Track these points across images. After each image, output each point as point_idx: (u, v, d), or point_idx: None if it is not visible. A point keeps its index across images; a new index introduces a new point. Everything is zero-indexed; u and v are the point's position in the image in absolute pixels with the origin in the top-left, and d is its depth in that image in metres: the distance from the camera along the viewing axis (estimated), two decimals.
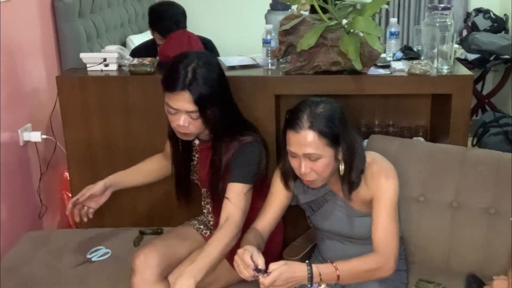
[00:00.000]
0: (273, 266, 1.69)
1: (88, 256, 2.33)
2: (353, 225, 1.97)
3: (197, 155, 2.20)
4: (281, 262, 1.71)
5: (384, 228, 1.86)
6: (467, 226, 2.13)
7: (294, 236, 2.32)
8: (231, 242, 1.93)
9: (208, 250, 1.89)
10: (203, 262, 1.85)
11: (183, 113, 1.95)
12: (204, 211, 2.32)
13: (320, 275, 1.74)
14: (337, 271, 1.76)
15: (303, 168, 1.82)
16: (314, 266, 1.74)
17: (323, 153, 1.81)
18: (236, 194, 1.99)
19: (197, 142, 2.18)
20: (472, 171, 2.16)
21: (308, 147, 1.79)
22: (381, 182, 1.89)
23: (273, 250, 2.20)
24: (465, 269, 2.11)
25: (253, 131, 2.11)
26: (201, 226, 2.26)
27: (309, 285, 1.77)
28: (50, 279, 2.21)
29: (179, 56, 2.00)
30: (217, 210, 2.18)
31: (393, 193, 1.89)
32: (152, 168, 2.35)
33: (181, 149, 2.20)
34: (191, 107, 1.92)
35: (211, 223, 2.29)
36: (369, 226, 1.91)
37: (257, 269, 1.69)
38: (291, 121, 1.83)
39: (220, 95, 2.00)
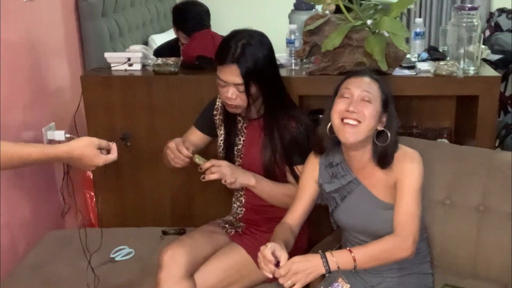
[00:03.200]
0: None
1: (112, 256, 2.33)
2: (376, 218, 1.95)
3: (242, 138, 2.23)
4: (294, 257, 1.76)
5: (405, 210, 1.86)
6: (494, 230, 2.09)
7: (319, 238, 2.31)
8: (287, 200, 2.12)
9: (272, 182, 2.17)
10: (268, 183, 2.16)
11: (231, 85, 2.06)
12: (234, 205, 2.33)
13: (335, 260, 1.76)
14: (352, 254, 1.78)
15: (353, 107, 1.88)
16: (327, 253, 1.78)
17: (376, 100, 1.90)
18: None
19: (244, 124, 2.22)
20: (499, 174, 2.13)
21: (367, 88, 1.91)
22: (406, 165, 1.91)
23: (298, 248, 2.20)
24: (491, 274, 2.08)
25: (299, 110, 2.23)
26: (226, 225, 2.25)
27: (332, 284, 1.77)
28: (73, 278, 2.22)
29: (232, 32, 2.13)
30: (250, 202, 2.21)
31: (417, 176, 1.90)
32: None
33: (226, 132, 2.26)
34: (238, 80, 2.04)
35: (240, 216, 2.30)
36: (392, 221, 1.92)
37: (277, 265, 1.71)
38: (355, 72, 2.01)
39: (267, 73, 2.10)
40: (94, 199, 2.98)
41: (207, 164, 2.07)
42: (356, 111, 1.87)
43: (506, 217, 2.08)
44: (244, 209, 2.29)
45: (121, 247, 2.39)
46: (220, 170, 2.06)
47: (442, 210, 2.16)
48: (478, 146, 2.38)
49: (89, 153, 1.75)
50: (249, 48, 2.04)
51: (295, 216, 2.03)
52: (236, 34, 2.09)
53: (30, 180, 2.62)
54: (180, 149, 2.09)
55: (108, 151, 1.84)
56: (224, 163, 2.10)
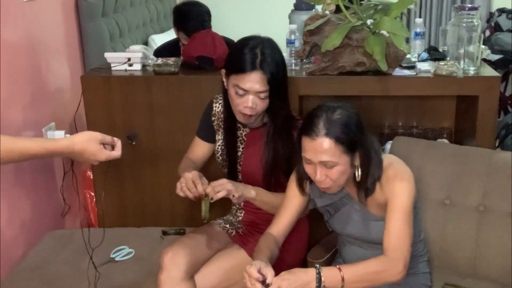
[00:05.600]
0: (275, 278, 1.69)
1: (112, 256, 2.34)
2: (370, 229, 1.94)
3: (242, 146, 2.22)
4: (283, 272, 1.70)
5: (395, 232, 1.81)
6: (494, 230, 2.09)
7: (318, 237, 2.31)
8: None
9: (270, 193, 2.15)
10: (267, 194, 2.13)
11: (252, 94, 2.00)
12: (234, 207, 2.32)
13: (323, 278, 1.70)
14: (341, 273, 1.72)
15: (318, 176, 1.80)
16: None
17: (339, 160, 1.78)
18: None
19: (244, 132, 2.20)
20: (499, 174, 2.13)
21: (323, 154, 1.76)
22: (396, 185, 1.85)
23: (298, 248, 2.21)
24: (491, 274, 2.08)
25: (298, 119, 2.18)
26: (227, 225, 2.26)
27: None
28: (74, 278, 2.22)
29: (243, 40, 2.08)
30: (249, 205, 2.19)
31: (407, 197, 1.84)
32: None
33: (226, 140, 2.23)
34: (263, 86, 1.99)
35: (239, 218, 2.29)
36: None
37: (264, 282, 1.68)
38: (307, 128, 1.80)
39: (283, 77, 2.08)
40: (94, 199, 2.98)
41: (203, 190, 1.99)
42: (322, 179, 1.81)
43: (506, 217, 2.08)
44: (243, 212, 2.29)
45: (121, 247, 2.39)
46: (224, 188, 2.00)
47: (442, 210, 2.16)
48: (478, 146, 2.38)
49: (91, 148, 1.72)
50: (268, 52, 2.01)
51: (280, 227, 1.99)
52: (249, 41, 2.04)
53: (30, 179, 2.62)
54: (196, 184, 1.99)
55: (113, 147, 1.80)
56: (224, 181, 2.04)
